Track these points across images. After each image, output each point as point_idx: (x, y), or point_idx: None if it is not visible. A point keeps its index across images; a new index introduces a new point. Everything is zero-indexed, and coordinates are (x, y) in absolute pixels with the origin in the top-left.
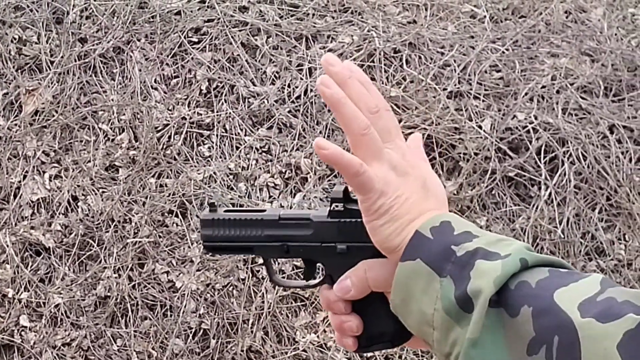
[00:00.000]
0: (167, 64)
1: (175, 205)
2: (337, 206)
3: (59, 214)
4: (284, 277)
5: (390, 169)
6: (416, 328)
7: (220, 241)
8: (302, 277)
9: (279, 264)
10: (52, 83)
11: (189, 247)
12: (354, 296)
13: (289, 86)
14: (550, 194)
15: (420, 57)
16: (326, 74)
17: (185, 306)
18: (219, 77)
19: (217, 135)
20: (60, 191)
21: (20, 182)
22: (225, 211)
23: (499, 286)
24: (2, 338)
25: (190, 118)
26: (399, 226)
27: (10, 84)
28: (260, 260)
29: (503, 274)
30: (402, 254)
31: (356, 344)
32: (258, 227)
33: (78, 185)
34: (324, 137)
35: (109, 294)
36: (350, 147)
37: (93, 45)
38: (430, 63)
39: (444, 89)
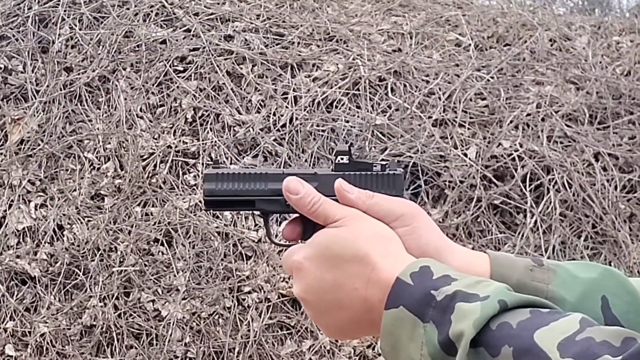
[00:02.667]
0: (152, 93)
1: (160, 234)
2: (342, 159)
3: (45, 242)
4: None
5: (306, 307)
6: None
7: (222, 195)
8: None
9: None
10: (37, 112)
11: (175, 275)
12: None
13: (274, 114)
14: (535, 221)
15: (405, 85)
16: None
17: (171, 335)
18: (204, 106)
19: (202, 164)
20: (46, 220)
21: (5, 211)
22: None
23: (479, 328)
24: None
25: (176, 146)
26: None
27: None
28: (247, 289)
29: (482, 315)
30: (385, 302)
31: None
32: (262, 180)
33: (64, 214)
34: (309, 165)
35: (94, 322)
36: None
37: (78, 74)
38: (415, 91)
39: (429, 117)
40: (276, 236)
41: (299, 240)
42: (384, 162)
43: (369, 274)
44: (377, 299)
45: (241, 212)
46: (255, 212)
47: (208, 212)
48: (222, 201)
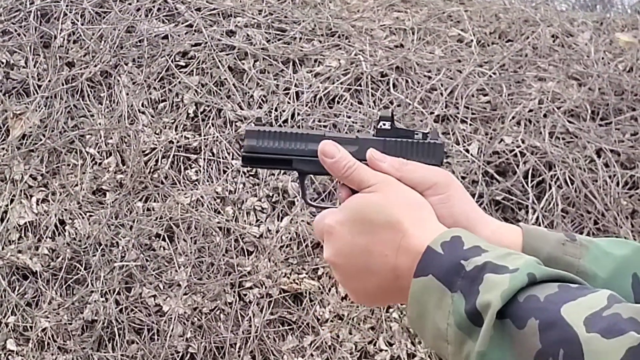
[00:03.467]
0: (154, 88)
1: (162, 229)
2: (384, 124)
3: (46, 237)
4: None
5: (335, 272)
6: (432, 343)
7: (262, 152)
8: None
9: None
10: (39, 107)
11: (176, 270)
12: (386, 169)
13: (276, 110)
14: (537, 217)
15: (407, 81)
16: None
17: (172, 330)
18: (206, 101)
19: (204, 159)
20: (48, 215)
21: (7, 205)
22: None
23: (506, 300)
24: None
25: (178, 142)
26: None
27: None
28: (248, 284)
29: (510, 287)
30: (414, 270)
31: None
32: (302, 141)
33: (65, 209)
34: None
35: (96, 317)
36: None
37: (80, 69)
38: (417, 87)
39: (431, 113)
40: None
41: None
42: (425, 131)
43: (400, 241)
44: (407, 266)
45: (248, 198)
46: (292, 171)
47: (246, 167)
48: (261, 158)
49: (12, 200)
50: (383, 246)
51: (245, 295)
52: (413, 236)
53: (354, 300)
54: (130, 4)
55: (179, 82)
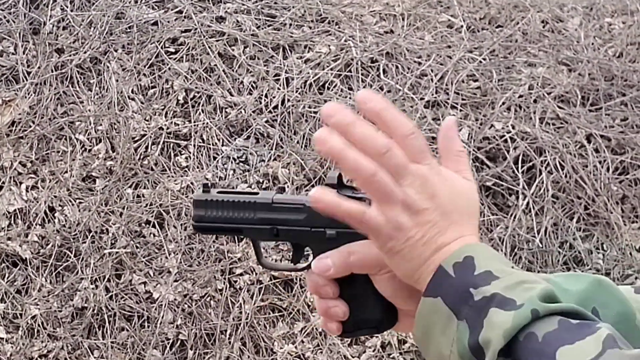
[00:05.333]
0: (144, 75)
1: (152, 216)
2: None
3: (36, 224)
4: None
5: (402, 210)
6: None
7: (211, 222)
8: (289, 260)
9: (265, 249)
10: (28, 94)
11: (167, 257)
12: (332, 275)
13: (266, 96)
14: (528, 203)
15: (397, 67)
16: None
17: (162, 317)
18: (196, 87)
19: (194, 146)
20: (37, 202)
21: None
22: (219, 192)
23: (508, 339)
24: None
25: (168, 128)
26: (413, 265)
27: None
28: (239, 271)
29: (512, 326)
30: (425, 289)
31: (340, 329)
32: (251, 209)
33: (55, 196)
34: (301, 147)
35: (86, 305)
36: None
37: (70, 55)
38: (407, 73)
39: (421, 99)
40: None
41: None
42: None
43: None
44: (433, 259)
45: (239, 185)
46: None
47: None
48: (210, 227)
49: (1, 187)
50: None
51: (235, 281)
52: (448, 233)
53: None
54: None
55: (169, 69)
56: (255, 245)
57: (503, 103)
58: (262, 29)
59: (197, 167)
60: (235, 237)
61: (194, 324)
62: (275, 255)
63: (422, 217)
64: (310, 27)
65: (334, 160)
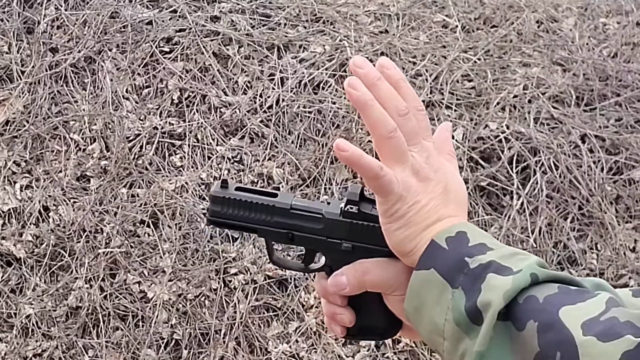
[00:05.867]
0: (138, 74)
1: (147, 216)
2: (351, 208)
3: (30, 224)
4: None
5: (412, 173)
6: (427, 337)
7: (227, 219)
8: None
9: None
10: (23, 93)
11: (161, 257)
12: (347, 293)
13: (260, 96)
14: (522, 203)
15: None
16: (354, 76)
17: (157, 316)
18: (190, 87)
19: (189, 145)
20: (32, 201)
21: None
22: (237, 189)
23: (508, 300)
24: None
25: (162, 128)
26: (413, 232)
27: None
28: (233, 270)
29: (513, 288)
30: (417, 263)
31: (345, 332)
32: (268, 212)
33: (49, 196)
34: (296, 147)
35: (80, 304)
36: (375, 148)
37: (64, 55)
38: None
39: None
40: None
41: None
42: None
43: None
44: (431, 229)
45: None
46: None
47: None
48: (226, 223)
49: None
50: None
51: (230, 281)
52: (447, 207)
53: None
54: None
55: (164, 68)
56: (268, 244)
57: (497, 103)
58: (257, 28)
59: (192, 167)
60: (241, 234)
61: (189, 324)
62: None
63: (428, 185)
64: (305, 27)
65: (359, 109)
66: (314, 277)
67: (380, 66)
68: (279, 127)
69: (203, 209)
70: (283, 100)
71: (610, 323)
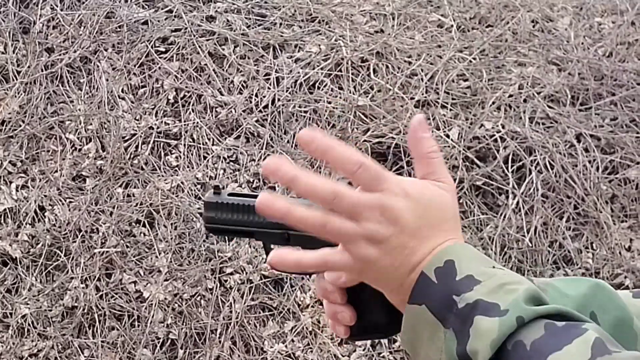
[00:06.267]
0: (134, 74)
1: (142, 215)
2: None
3: (26, 224)
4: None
5: (367, 244)
6: None
7: (222, 224)
8: None
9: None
10: (18, 93)
11: (157, 256)
12: (344, 284)
13: (256, 95)
14: (517, 202)
15: (387, 67)
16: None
17: (152, 316)
18: (186, 87)
19: (184, 145)
20: (27, 201)
21: None
22: (230, 195)
23: (495, 349)
24: None
25: (158, 128)
26: (392, 289)
27: None
28: (229, 270)
29: (498, 337)
30: (409, 296)
31: (348, 332)
32: None
33: (45, 195)
34: (292, 146)
35: (76, 304)
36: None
37: (60, 55)
38: (397, 72)
39: (412, 98)
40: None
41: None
42: None
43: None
44: (407, 283)
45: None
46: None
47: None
48: (222, 229)
49: None
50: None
51: (225, 281)
52: (416, 249)
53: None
54: None
55: (159, 68)
56: (266, 246)
57: (493, 102)
58: (253, 28)
59: (188, 167)
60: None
61: (184, 323)
62: None
63: (388, 245)
64: (300, 27)
65: (283, 220)
66: (312, 277)
67: (301, 145)
68: (275, 126)
69: (199, 208)
70: (279, 99)
71: None
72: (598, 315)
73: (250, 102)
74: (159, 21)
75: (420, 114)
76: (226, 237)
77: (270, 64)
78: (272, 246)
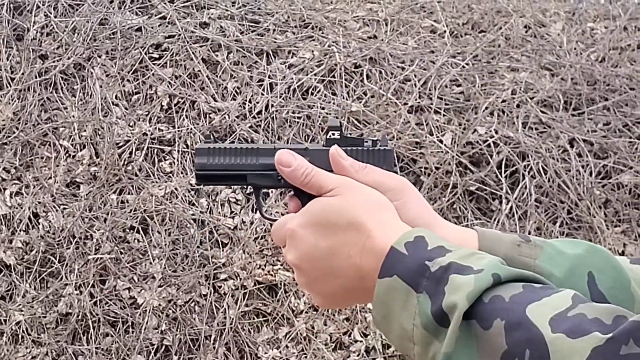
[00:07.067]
0: (128, 80)
1: (136, 221)
2: (333, 134)
3: (20, 230)
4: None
5: (299, 275)
6: (398, 343)
7: (214, 170)
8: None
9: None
10: (12, 100)
11: (151, 263)
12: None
13: (250, 101)
14: (511, 207)
15: (380, 72)
16: None
17: (147, 322)
18: (180, 93)
19: (178, 151)
20: (21, 208)
21: None
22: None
23: (472, 301)
24: None
25: (152, 134)
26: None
27: None
28: (223, 276)
29: (476, 289)
30: (379, 271)
31: None
32: (254, 155)
33: (39, 202)
34: None
35: (70, 310)
36: None
37: (54, 61)
38: (390, 78)
39: (405, 104)
40: (266, 211)
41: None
42: (374, 138)
43: (364, 241)
44: (372, 267)
45: (223, 190)
46: (246, 186)
47: (199, 186)
48: (213, 175)
49: None
50: (347, 248)
51: (220, 287)
52: (377, 237)
53: (319, 303)
54: None
55: (153, 74)
56: (258, 195)
57: (486, 108)
58: (246, 34)
59: (181, 173)
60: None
61: (179, 330)
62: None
63: (314, 269)
64: (293, 33)
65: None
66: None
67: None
68: (268, 132)
69: (192, 214)
70: (272, 105)
71: (579, 320)
72: (595, 276)
73: (244, 108)
74: (152, 28)
75: (282, 150)
76: (217, 186)
77: (264, 70)
78: (262, 193)
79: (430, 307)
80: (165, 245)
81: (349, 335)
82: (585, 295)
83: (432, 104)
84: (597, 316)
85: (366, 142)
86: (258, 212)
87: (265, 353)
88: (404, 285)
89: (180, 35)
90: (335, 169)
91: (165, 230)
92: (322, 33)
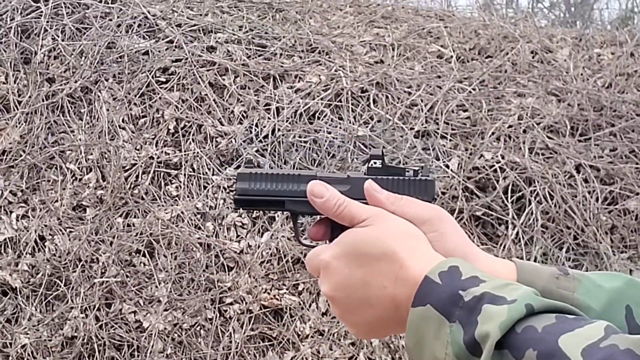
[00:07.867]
0: (134, 104)
1: (142, 245)
2: (375, 163)
3: (26, 253)
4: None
5: (334, 306)
6: None
7: (254, 195)
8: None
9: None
10: (19, 123)
11: (157, 286)
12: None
13: (256, 125)
14: (517, 233)
15: (387, 97)
16: None
17: (152, 346)
18: (186, 117)
19: (184, 175)
20: (28, 231)
21: None
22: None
23: (505, 330)
24: None
25: (158, 157)
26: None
27: None
28: (229, 300)
29: (509, 318)
30: (412, 300)
31: None
32: (294, 182)
33: (45, 225)
34: None
35: (76, 334)
36: None
37: (61, 85)
38: (397, 102)
39: (411, 129)
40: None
41: (326, 241)
42: (416, 168)
43: (397, 271)
44: (405, 296)
45: (229, 214)
46: (283, 212)
47: (238, 209)
48: (253, 200)
49: None
50: (381, 278)
51: (225, 311)
52: (410, 266)
53: (354, 333)
54: (110, 20)
55: (160, 98)
56: (295, 222)
57: (492, 133)
58: (253, 58)
59: (188, 196)
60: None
61: (184, 353)
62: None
63: (350, 303)
64: (300, 57)
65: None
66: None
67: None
68: (275, 156)
69: (199, 238)
70: (279, 129)
71: (611, 350)
72: (634, 309)
73: (251, 132)
74: (159, 51)
75: (314, 181)
76: (254, 210)
77: (271, 94)
78: (299, 220)
79: (462, 337)
80: (171, 268)
81: None
82: (623, 328)
83: (438, 128)
84: (630, 347)
85: (407, 171)
86: (295, 238)
87: None
88: (437, 314)
89: (187, 59)
90: (371, 202)
91: (171, 253)
92: (329, 57)
